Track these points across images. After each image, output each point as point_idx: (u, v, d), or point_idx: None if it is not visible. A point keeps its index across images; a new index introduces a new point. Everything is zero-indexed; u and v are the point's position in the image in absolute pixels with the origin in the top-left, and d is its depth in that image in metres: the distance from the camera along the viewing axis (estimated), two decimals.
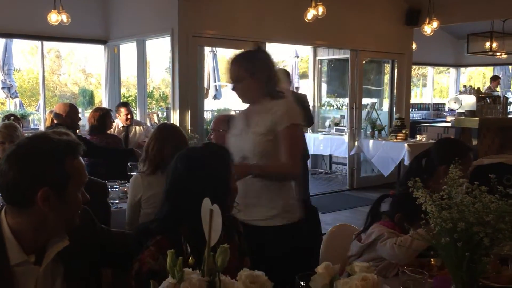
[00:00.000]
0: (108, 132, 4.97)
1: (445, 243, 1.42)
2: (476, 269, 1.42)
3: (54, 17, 5.89)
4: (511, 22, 9.71)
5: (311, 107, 9.06)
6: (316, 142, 8.26)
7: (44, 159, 1.41)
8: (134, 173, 3.20)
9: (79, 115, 4.81)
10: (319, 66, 8.92)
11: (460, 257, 1.41)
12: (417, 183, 1.53)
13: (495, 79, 11.18)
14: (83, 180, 1.50)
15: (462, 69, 13.71)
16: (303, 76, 13.37)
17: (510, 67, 13.84)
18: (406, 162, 6.89)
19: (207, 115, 11.57)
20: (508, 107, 9.71)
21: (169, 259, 0.97)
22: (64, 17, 5.94)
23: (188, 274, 0.96)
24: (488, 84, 13.98)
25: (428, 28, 7.11)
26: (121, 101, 7.28)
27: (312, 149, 8.33)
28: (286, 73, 5.26)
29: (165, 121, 8.70)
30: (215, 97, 11.47)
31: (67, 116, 4.53)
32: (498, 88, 11.19)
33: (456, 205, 1.43)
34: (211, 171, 1.73)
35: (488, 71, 15.58)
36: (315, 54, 8.88)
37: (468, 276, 1.42)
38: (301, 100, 5.17)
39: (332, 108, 9.02)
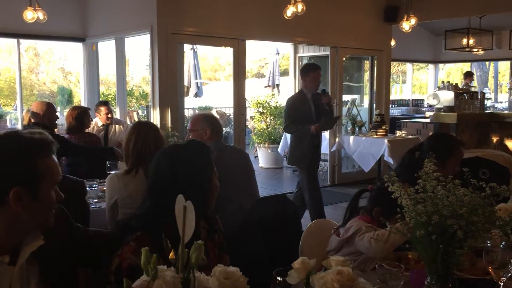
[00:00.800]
0: (87, 131, 4.92)
1: (420, 236, 1.43)
2: (451, 261, 1.43)
3: (30, 15, 5.79)
4: (488, 18, 9.89)
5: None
6: None
7: (15, 158, 1.39)
8: (113, 172, 3.17)
9: (57, 114, 4.75)
10: (300, 63, 8.95)
11: (434, 250, 1.42)
12: (393, 177, 1.55)
13: (469, 75, 11.35)
14: (56, 179, 1.47)
15: (441, 65, 13.91)
16: (284, 73, 13.40)
17: (487, 63, 14.08)
18: (386, 157, 6.96)
19: (188, 113, 11.53)
20: (485, 102, 9.89)
21: (143, 257, 0.97)
22: (40, 15, 5.85)
23: (162, 271, 0.95)
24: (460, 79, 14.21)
25: (406, 25, 7.18)
26: (100, 99, 7.20)
27: None
28: None
29: (146, 119, 8.64)
30: (196, 95, 11.42)
31: (44, 115, 4.46)
32: (475, 83, 11.36)
33: (430, 199, 1.45)
34: (193, 168, 1.74)
35: (466, 67, 15.84)
36: (295, 51, 8.91)
37: (442, 268, 1.44)
38: None
39: None
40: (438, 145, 2.77)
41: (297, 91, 8.98)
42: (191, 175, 1.71)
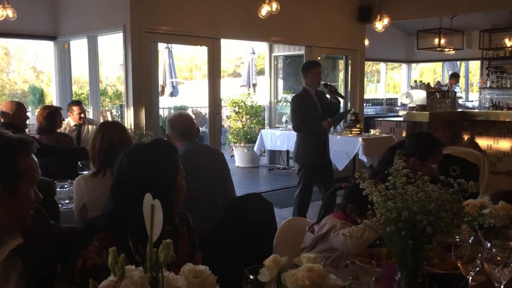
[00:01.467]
0: (58, 131, 4.83)
1: (390, 232, 1.45)
2: (420, 257, 1.46)
3: None
4: (458, 19, 10.10)
5: (267, 103, 9.13)
6: (273, 138, 8.32)
7: None
8: (85, 173, 3.12)
9: (29, 113, 4.65)
10: (275, 62, 8.98)
11: (404, 245, 1.44)
12: (364, 174, 1.57)
13: (454, 77, 11.54)
14: (35, 178, 1.48)
15: (414, 65, 14.14)
16: (260, 72, 13.41)
17: (458, 62, 14.37)
18: (361, 156, 7.04)
19: (164, 113, 11.44)
20: (457, 101, 10.10)
21: (110, 257, 0.95)
22: (9, 12, 5.71)
23: (130, 271, 0.94)
24: (438, 79, 14.47)
25: (380, 25, 7.28)
26: (73, 99, 7.08)
27: (269, 145, 8.39)
28: None
29: (119, 119, 8.52)
30: (171, 94, 11.34)
31: (14, 115, 4.37)
32: (459, 85, 11.52)
33: (400, 195, 1.47)
34: (156, 168, 1.72)
35: (438, 67, 16.13)
36: (271, 51, 8.93)
37: (412, 264, 1.46)
38: None
39: (288, 104, 9.09)
40: (418, 144, 2.81)
41: (272, 90, 9.04)
42: (154, 174, 1.69)
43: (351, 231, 2.06)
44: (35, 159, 1.50)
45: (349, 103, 8.68)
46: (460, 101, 11.86)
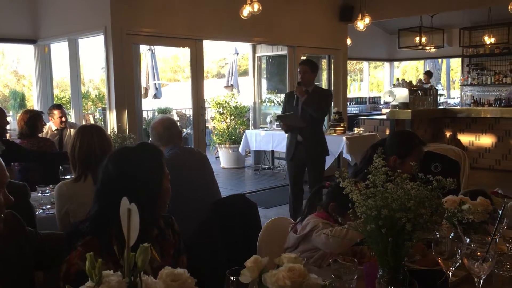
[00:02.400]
0: (40, 135, 4.77)
1: (371, 230, 1.46)
2: (401, 254, 1.47)
3: None
4: (439, 17, 10.22)
5: (252, 103, 9.13)
6: (258, 138, 8.32)
7: None
8: (67, 177, 3.09)
9: (9, 118, 4.58)
10: (259, 62, 8.99)
11: (385, 243, 1.45)
12: (344, 173, 1.57)
13: (427, 74, 11.71)
14: (3, 181, 1.44)
15: (396, 63, 14.28)
16: (244, 73, 13.42)
17: (439, 60, 14.54)
18: (345, 154, 7.08)
19: (148, 115, 11.37)
20: (439, 98, 10.22)
21: (88, 262, 0.94)
22: None
23: (108, 276, 0.93)
24: (420, 77, 14.64)
25: (361, 24, 7.33)
26: (54, 103, 7.00)
27: (254, 145, 8.39)
28: None
29: (100, 122, 8.46)
30: (155, 96, 11.26)
31: None
32: (431, 81, 11.71)
33: (380, 193, 1.48)
34: (142, 171, 1.71)
35: (420, 65, 16.31)
36: (254, 51, 8.94)
37: (393, 261, 1.48)
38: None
39: (272, 104, 9.12)
40: (399, 142, 2.83)
41: (256, 91, 9.05)
42: (140, 178, 1.68)
43: (334, 231, 2.06)
44: (1, 161, 1.45)
45: (332, 102, 8.70)
46: (442, 98, 12.01)
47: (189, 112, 11.24)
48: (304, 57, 8.29)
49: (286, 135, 5.29)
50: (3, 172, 1.44)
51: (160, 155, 1.82)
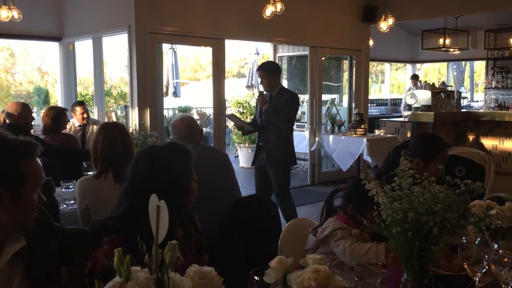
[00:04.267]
0: (63, 131, 4.84)
1: (396, 234, 1.44)
2: (426, 258, 1.45)
3: (5, 14, 5.67)
4: (463, 19, 10.06)
5: None
6: None
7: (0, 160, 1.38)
8: (90, 173, 3.13)
9: (34, 114, 4.66)
10: (280, 63, 8.97)
11: (410, 247, 1.44)
12: (369, 175, 1.56)
13: (414, 78, 11.52)
14: (39, 182, 1.48)
15: (418, 65, 14.10)
16: None
17: (463, 62, 14.32)
18: (365, 156, 7.02)
19: (168, 113, 11.45)
20: (462, 101, 10.06)
21: (116, 258, 0.95)
22: (15, 13, 5.73)
23: (136, 273, 0.94)
24: (443, 79, 14.44)
25: (384, 25, 7.26)
26: (77, 100, 7.10)
27: None
28: None
29: (124, 120, 8.55)
30: (175, 95, 11.35)
31: (19, 116, 4.38)
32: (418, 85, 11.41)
33: (406, 196, 1.46)
34: (172, 172, 1.72)
35: (443, 67, 16.08)
36: (275, 51, 8.92)
37: (419, 265, 1.46)
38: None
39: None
40: (423, 145, 2.78)
41: None
42: (170, 178, 1.69)
43: (353, 247, 2.04)
44: (39, 162, 1.49)
45: (353, 104, 8.65)
46: (465, 101, 11.83)
47: (209, 111, 11.28)
48: (324, 58, 8.26)
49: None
50: (41, 173, 1.48)
51: (189, 156, 1.82)
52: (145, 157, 1.75)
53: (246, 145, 9.27)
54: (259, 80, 4.96)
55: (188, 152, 1.85)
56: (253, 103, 9.62)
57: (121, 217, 1.66)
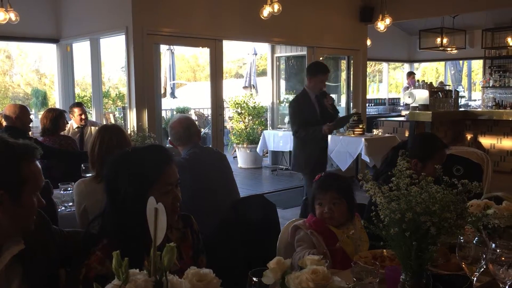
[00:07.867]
0: (62, 133, 4.84)
1: (394, 234, 1.45)
2: (424, 258, 1.45)
3: (2, 16, 5.66)
4: (460, 18, 10.07)
5: (270, 104, 9.13)
6: (276, 138, 8.31)
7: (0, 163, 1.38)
8: (88, 175, 3.12)
9: (31, 116, 4.65)
10: (277, 63, 8.98)
11: (408, 247, 1.44)
12: (367, 175, 1.56)
13: (410, 74, 11.50)
14: (39, 185, 1.48)
15: (416, 65, 14.12)
16: (262, 73, 13.41)
17: (460, 62, 14.34)
18: (363, 156, 7.02)
19: (166, 114, 11.45)
20: (459, 100, 10.08)
21: (114, 261, 0.95)
22: (12, 16, 5.72)
23: (134, 275, 0.94)
24: (441, 78, 14.45)
25: (381, 25, 7.27)
26: (75, 101, 7.10)
27: (272, 146, 8.39)
28: None
29: (122, 121, 8.54)
30: (173, 96, 11.36)
31: (17, 118, 4.37)
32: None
33: (404, 196, 1.46)
34: (145, 172, 1.67)
35: (441, 66, 16.10)
36: (273, 51, 8.93)
37: (416, 265, 1.46)
38: None
39: None
40: (421, 145, 2.78)
41: (275, 91, 9.04)
42: (140, 179, 1.64)
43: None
44: (39, 165, 1.49)
45: (351, 103, 8.66)
46: (463, 100, 11.84)
47: (207, 112, 11.28)
48: (322, 58, 8.26)
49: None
50: (41, 176, 1.48)
51: (170, 157, 1.74)
52: (122, 159, 1.73)
53: (245, 145, 9.27)
54: (322, 82, 4.95)
55: (167, 152, 1.77)
56: (251, 103, 9.63)
57: (106, 222, 1.65)
